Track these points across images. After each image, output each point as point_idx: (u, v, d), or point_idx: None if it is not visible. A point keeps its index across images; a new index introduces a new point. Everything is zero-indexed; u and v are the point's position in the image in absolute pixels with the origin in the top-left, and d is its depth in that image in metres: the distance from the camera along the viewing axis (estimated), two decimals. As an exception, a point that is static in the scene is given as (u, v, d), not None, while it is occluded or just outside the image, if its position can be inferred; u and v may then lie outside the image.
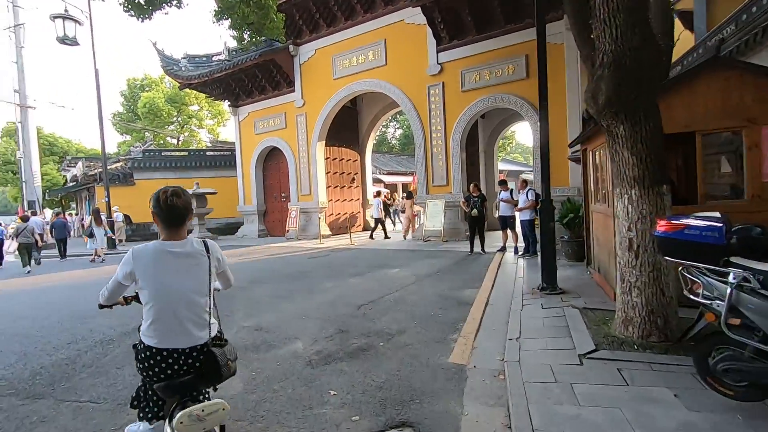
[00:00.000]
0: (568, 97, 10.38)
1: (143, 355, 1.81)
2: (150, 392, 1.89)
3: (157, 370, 1.79)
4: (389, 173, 31.84)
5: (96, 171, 18.84)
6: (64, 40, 14.43)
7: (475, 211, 9.06)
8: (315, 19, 14.59)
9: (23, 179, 18.23)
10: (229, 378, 1.89)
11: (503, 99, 11.36)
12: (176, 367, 1.79)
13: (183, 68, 17.15)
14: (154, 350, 1.78)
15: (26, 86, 16.79)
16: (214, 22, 8.38)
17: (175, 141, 31.27)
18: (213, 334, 1.91)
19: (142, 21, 7.66)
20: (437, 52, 12.36)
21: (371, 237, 14.47)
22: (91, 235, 12.59)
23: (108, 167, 19.34)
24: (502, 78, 11.42)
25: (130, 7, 7.38)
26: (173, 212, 1.82)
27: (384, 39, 13.39)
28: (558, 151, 10.65)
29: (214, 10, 8.25)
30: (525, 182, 8.62)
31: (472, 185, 9.51)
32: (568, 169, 10.47)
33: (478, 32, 11.58)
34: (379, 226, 14.81)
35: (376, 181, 24.58)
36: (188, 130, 32.02)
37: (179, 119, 31.02)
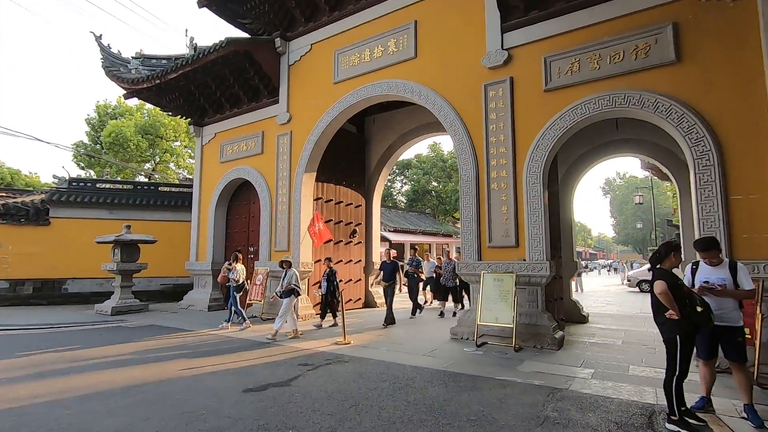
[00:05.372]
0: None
1: None
2: None
3: None
4: (395, 230, 26.74)
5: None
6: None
7: (701, 310, 3.49)
8: (314, 2, 10.21)
9: None
10: None
11: (630, 99, 6.43)
12: None
13: (132, 70, 12.63)
14: None
15: None
16: None
17: (146, 179, 26.50)
18: None
19: None
20: (502, 31, 7.67)
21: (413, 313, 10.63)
22: None
23: (17, 199, 14.19)
24: (623, 65, 6.56)
25: None
26: None
27: (414, 20, 8.81)
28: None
29: None
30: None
31: (667, 248, 3.88)
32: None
33: (580, -7, 6.95)
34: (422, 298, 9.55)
35: (383, 239, 19.35)
36: (165, 169, 27.37)
37: (156, 156, 26.51)
